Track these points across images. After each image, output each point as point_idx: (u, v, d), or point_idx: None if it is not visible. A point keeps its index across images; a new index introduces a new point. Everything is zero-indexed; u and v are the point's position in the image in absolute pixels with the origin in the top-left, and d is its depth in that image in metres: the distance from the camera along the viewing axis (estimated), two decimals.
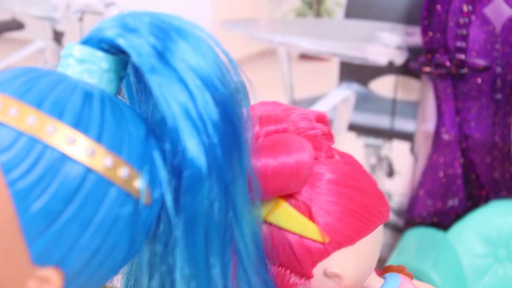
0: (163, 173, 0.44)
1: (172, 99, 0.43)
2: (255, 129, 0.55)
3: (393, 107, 1.74)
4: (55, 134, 0.41)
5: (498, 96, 1.58)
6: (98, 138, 0.42)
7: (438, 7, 1.57)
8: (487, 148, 1.62)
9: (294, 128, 0.57)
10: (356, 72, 1.79)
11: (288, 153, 0.54)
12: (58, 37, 3.13)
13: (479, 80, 1.58)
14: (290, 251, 0.56)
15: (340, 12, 1.90)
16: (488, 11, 1.54)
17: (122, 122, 0.44)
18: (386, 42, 1.74)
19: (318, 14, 2.03)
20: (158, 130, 0.46)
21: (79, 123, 0.42)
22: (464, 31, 1.56)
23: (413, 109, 1.72)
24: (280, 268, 0.57)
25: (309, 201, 0.56)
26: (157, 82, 0.43)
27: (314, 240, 0.56)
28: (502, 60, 1.56)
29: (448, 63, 1.58)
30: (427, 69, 1.60)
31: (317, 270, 0.57)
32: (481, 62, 1.57)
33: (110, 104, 0.44)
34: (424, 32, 1.60)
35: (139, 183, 0.44)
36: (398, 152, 1.75)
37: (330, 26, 2.06)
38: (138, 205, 0.44)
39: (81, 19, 3.08)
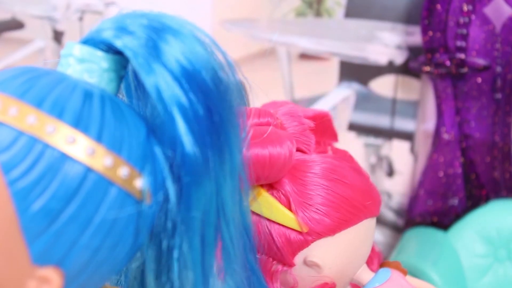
0: (166, 172, 0.44)
1: (168, 100, 0.43)
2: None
3: (393, 106, 1.74)
4: (55, 133, 0.41)
5: (498, 95, 1.59)
6: (98, 138, 0.42)
7: (438, 6, 1.57)
8: (487, 147, 1.62)
9: (278, 122, 0.59)
10: (356, 72, 1.79)
11: (262, 145, 0.56)
12: (58, 36, 3.13)
13: (479, 80, 1.58)
14: (271, 240, 0.58)
15: (340, 11, 1.90)
16: (488, 10, 1.55)
17: (122, 122, 0.44)
18: (386, 42, 1.74)
19: (318, 14, 2.04)
20: (157, 130, 0.46)
21: (79, 123, 0.42)
22: (464, 31, 1.56)
23: (413, 108, 1.72)
24: (262, 256, 0.59)
25: (290, 192, 0.58)
26: (153, 83, 0.43)
27: (293, 230, 0.58)
28: (502, 60, 1.56)
29: (448, 63, 1.58)
30: (427, 68, 1.60)
31: (298, 259, 0.59)
32: (481, 62, 1.57)
33: (110, 103, 0.44)
34: (424, 32, 1.60)
35: (140, 183, 0.44)
36: (398, 152, 1.75)
37: (330, 26, 2.06)
38: (138, 205, 0.44)
39: (81, 19, 3.08)
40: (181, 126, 0.43)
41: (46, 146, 0.41)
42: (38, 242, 0.41)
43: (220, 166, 0.45)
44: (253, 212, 0.58)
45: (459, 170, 1.64)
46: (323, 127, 0.64)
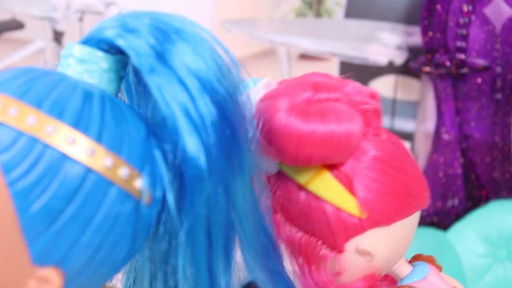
0: (164, 173, 0.44)
1: (171, 99, 0.43)
2: (306, 94, 0.55)
3: (393, 107, 1.74)
4: (55, 134, 0.41)
5: (498, 96, 1.58)
6: (98, 138, 0.42)
7: (438, 7, 1.57)
8: (487, 148, 1.62)
9: (347, 100, 0.56)
10: (356, 72, 1.79)
11: (338, 121, 0.53)
12: (58, 37, 3.13)
13: (479, 80, 1.58)
14: (325, 222, 0.55)
15: (340, 12, 1.90)
16: (488, 11, 1.54)
17: (122, 122, 0.44)
18: (386, 42, 1.74)
19: (318, 14, 2.04)
20: (158, 130, 0.46)
21: (79, 123, 0.42)
22: (464, 31, 1.56)
23: (413, 109, 1.72)
24: (312, 238, 0.56)
25: (352, 174, 0.55)
26: (156, 83, 0.43)
27: (351, 214, 0.55)
28: (502, 60, 1.56)
29: (448, 63, 1.58)
30: (427, 69, 1.60)
31: (350, 246, 0.56)
32: (481, 62, 1.57)
33: (110, 104, 0.44)
34: (424, 32, 1.60)
35: (139, 183, 0.44)
36: None
37: (330, 26, 2.06)
38: (138, 205, 0.44)
39: (81, 19, 3.08)
40: (183, 126, 0.42)
41: (46, 146, 0.41)
42: (38, 242, 0.41)
43: (227, 165, 0.44)
44: (310, 192, 0.56)
45: (459, 171, 1.64)
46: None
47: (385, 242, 0.57)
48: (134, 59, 0.43)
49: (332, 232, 0.55)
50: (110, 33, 0.45)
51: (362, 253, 0.56)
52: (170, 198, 0.44)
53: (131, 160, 0.43)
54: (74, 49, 0.46)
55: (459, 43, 1.57)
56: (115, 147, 0.43)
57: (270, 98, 0.55)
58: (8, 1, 3.22)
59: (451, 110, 1.62)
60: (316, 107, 0.54)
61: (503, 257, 1.53)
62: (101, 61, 0.46)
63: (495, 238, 1.53)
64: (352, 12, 2.36)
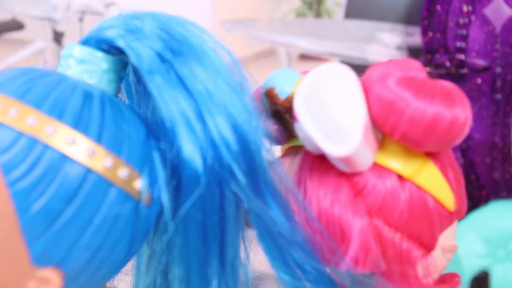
0: (161, 174, 0.44)
1: (171, 101, 0.43)
2: (380, 68, 0.52)
3: None
4: (55, 134, 0.41)
5: (498, 96, 1.58)
6: (98, 139, 0.42)
7: (438, 7, 1.57)
8: (487, 148, 1.62)
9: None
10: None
11: (447, 103, 0.50)
12: (58, 37, 3.13)
13: (479, 81, 1.58)
14: (427, 217, 0.52)
15: (340, 12, 1.90)
16: (488, 11, 1.54)
17: (122, 123, 0.44)
18: (386, 42, 1.74)
19: (318, 14, 2.03)
20: (157, 131, 0.46)
21: (79, 124, 0.42)
22: (464, 31, 1.56)
23: None
24: (410, 240, 0.52)
25: (447, 165, 0.53)
26: (156, 84, 0.43)
27: (444, 207, 0.53)
28: (502, 60, 1.56)
29: (448, 63, 1.58)
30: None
31: (438, 242, 0.53)
32: (481, 63, 1.57)
33: (110, 104, 0.44)
34: (424, 32, 1.60)
35: (139, 184, 0.44)
36: None
37: (330, 26, 2.06)
38: (138, 206, 0.44)
39: (81, 20, 3.08)
40: (182, 129, 0.43)
41: (46, 147, 0.41)
42: (38, 243, 0.41)
43: (226, 168, 0.44)
44: (414, 186, 0.51)
45: None
46: None
47: (453, 239, 0.55)
48: (133, 60, 0.43)
49: (431, 228, 0.52)
50: (110, 33, 0.45)
51: (448, 249, 0.54)
52: (165, 197, 0.44)
53: (131, 160, 0.43)
54: (74, 49, 0.46)
55: (459, 44, 1.57)
56: (115, 148, 0.43)
57: (380, 67, 0.52)
58: (8, 1, 3.22)
59: None
60: (415, 85, 0.51)
61: (502, 257, 1.53)
62: (101, 61, 0.46)
63: (495, 238, 1.53)
64: (352, 12, 2.36)
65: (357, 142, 0.48)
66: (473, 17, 1.55)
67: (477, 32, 1.56)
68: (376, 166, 0.51)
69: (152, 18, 0.45)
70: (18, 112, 0.41)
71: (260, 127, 0.46)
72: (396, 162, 0.51)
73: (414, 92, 0.49)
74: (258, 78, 0.50)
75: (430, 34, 1.59)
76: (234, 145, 0.43)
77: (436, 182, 0.52)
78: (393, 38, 1.71)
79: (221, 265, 0.47)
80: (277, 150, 0.54)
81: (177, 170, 0.44)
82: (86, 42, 0.46)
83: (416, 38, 1.67)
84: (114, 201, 0.43)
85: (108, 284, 0.50)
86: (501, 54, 1.56)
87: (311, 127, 0.49)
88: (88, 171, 0.42)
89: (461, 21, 1.56)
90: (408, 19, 1.69)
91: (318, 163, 0.52)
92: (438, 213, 0.52)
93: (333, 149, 0.49)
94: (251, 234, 0.50)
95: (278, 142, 0.56)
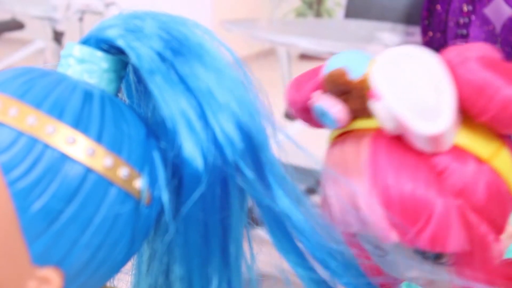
0: (161, 173, 0.44)
1: (172, 101, 0.43)
2: (458, 50, 0.52)
3: None
4: (55, 134, 0.41)
5: None
6: (98, 138, 0.42)
7: (438, 7, 1.57)
8: None
9: None
10: None
11: None
12: (58, 37, 3.13)
13: None
14: (501, 199, 0.52)
15: (340, 12, 1.90)
16: (488, 11, 1.54)
17: (122, 122, 0.44)
18: (386, 42, 1.74)
19: (318, 14, 2.04)
20: (158, 130, 0.46)
21: (79, 123, 0.42)
22: (464, 31, 1.56)
23: None
24: (488, 223, 0.52)
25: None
26: (156, 84, 0.43)
27: (509, 192, 0.52)
28: None
29: None
30: None
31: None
32: None
33: (110, 104, 0.44)
34: (424, 32, 1.60)
35: (139, 183, 0.44)
36: None
37: (330, 26, 2.07)
38: (138, 205, 0.44)
39: (81, 19, 3.08)
40: (182, 129, 0.43)
41: (46, 146, 0.41)
42: (38, 242, 0.41)
43: (232, 165, 0.44)
44: (492, 169, 0.51)
45: None
46: None
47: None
48: (133, 60, 0.43)
49: (504, 212, 0.52)
50: (110, 33, 0.45)
51: (511, 235, 0.54)
52: (165, 197, 0.44)
53: (131, 160, 0.43)
54: (74, 49, 0.46)
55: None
56: (115, 147, 0.43)
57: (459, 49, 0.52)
58: (8, 1, 3.22)
59: None
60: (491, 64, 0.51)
61: None
62: (101, 61, 0.46)
63: None
64: (352, 12, 2.36)
65: (450, 119, 0.48)
66: (473, 17, 1.55)
67: (477, 31, 1.56)
68: (454, 148, 0.51)
69: (152, 17, 0.45)
70: (18, 112, 0.41)
71: (264, 124, 0.46)
72: (476, 144, 0.51)
73: (503, 74, 0.49)
74: (258, 78, 0.50)
75: (430, 33, 1.59)
76: (239, 143, 0.43)
77: (509, 166, 0.52)
78: (393, 38, 1.71)
79: (223, 263, 0.47)
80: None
81: (178, 170, 0.44)
82: (86, 41, 0.46)
83: (416, 38, 1.67)
84: (114, 201, 0.43)
85: (108, 284, 0.50)
86: (501, 54, 1.56)
87: (399, 105, 0.48)
88: (88, 170, 0.42)
89: (461, 20, 1.56)
90: (408, 19, 1.69)
91: (395, 144, 0.51)
92: (510, 197, 0.52)
93: (425, 127, 0.48)
94: (253, 234, 0.50)
95: (340, 124, 0.54)
